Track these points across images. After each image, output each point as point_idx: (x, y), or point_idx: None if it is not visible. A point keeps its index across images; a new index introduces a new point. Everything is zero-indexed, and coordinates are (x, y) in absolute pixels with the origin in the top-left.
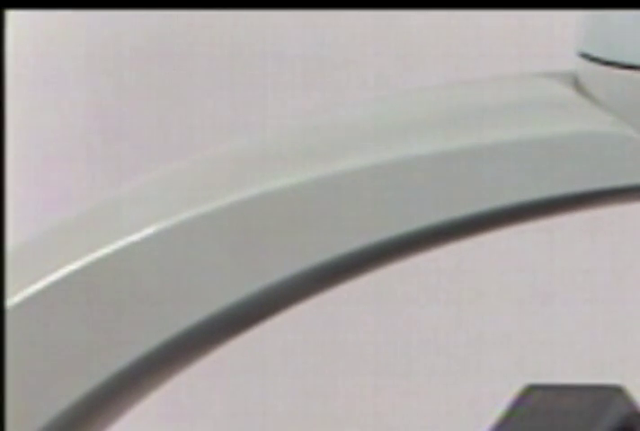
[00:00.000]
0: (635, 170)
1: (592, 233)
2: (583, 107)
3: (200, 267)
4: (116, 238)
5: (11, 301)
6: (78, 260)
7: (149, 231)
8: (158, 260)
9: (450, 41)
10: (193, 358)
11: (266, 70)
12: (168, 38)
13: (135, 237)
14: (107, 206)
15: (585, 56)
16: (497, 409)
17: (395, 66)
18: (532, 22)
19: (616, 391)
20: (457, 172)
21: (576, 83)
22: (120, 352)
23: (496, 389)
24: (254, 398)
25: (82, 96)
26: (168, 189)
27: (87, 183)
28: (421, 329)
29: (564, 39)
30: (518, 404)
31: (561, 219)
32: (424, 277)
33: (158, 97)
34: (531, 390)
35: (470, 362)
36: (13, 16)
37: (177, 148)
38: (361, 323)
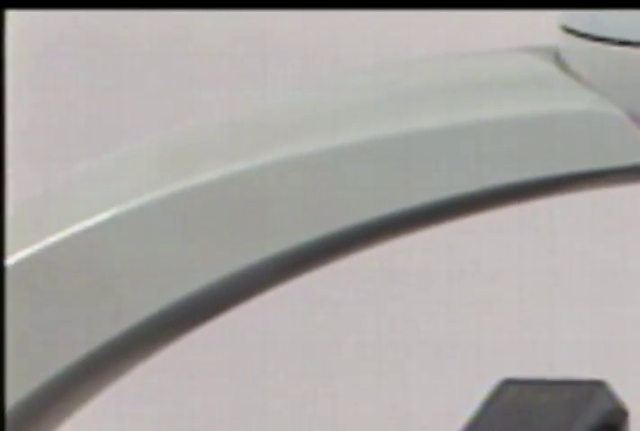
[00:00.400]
0: (620, 150)
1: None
2: (565, 84)
3: (160, 253)
4: (69, 223)
5: None
6: (29, 247)
7: (105, 215)
8: (114, 246)
9: (450, 41)
10: (155, 347)
11: (266, 70)
12: (169, 38)
13: (89, 222)
14: (61, 188)
15: (568, 30)
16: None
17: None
18: (532, 22)
19: (597, 386)
20: (429, 153)
21: (557, 59)
22: (71, 347)
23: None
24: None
25: (82, 96)
26: (126, 171)
27: None
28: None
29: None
30: (493, 400)
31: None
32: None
33: (160, 97)
34: (507, 384)
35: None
36: (13, 16)
37: None
38: (357, 320)
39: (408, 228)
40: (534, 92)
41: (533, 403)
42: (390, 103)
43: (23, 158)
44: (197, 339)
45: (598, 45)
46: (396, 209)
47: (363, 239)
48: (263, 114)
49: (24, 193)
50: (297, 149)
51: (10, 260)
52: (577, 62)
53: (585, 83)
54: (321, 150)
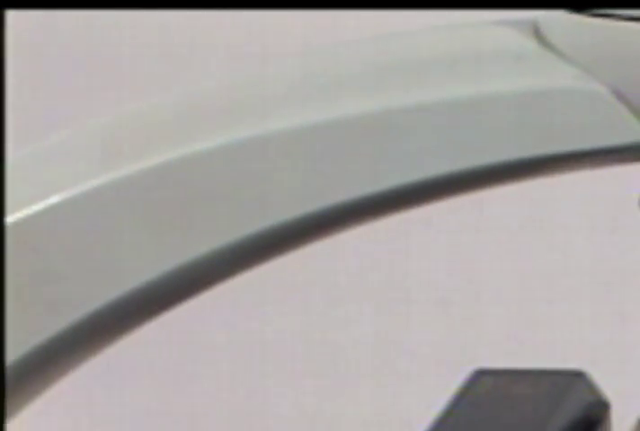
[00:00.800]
0: (604, 129)
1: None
2: (545, 59)
3: (113, 240)
4: (19, 207)
5: None
6: None
7: (54, 199)
8: (65, 233)
9: None
10: (112, 339)
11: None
12: (170, 38)
13: (39, 206)
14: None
15: None
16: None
17: None
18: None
19: (576, 377)
20: (401, 133)
21: (537, 33)
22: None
23: None
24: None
25: (82, 96)
26: (79, 151)
27: None
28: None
29: None
30: (465, 392)
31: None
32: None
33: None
34: (480, 375)
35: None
36: (13, 16)
37: None
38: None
39: (397, 206)
40: (514, 68)
41: (508, 395)
42: (358, 81)
43: None
44: (197, 339)
45: (581, 19)
46: (380, 188)
47: (356, 216)
48: (250, 85)
49: None
50: (287, 122)
51: None
52: (559, 37)
53: (567, 58)
54: (313, 124)
